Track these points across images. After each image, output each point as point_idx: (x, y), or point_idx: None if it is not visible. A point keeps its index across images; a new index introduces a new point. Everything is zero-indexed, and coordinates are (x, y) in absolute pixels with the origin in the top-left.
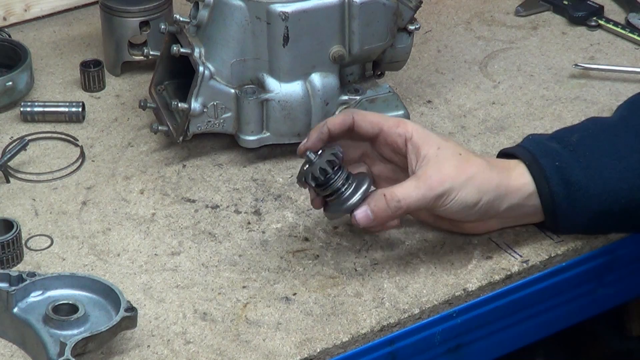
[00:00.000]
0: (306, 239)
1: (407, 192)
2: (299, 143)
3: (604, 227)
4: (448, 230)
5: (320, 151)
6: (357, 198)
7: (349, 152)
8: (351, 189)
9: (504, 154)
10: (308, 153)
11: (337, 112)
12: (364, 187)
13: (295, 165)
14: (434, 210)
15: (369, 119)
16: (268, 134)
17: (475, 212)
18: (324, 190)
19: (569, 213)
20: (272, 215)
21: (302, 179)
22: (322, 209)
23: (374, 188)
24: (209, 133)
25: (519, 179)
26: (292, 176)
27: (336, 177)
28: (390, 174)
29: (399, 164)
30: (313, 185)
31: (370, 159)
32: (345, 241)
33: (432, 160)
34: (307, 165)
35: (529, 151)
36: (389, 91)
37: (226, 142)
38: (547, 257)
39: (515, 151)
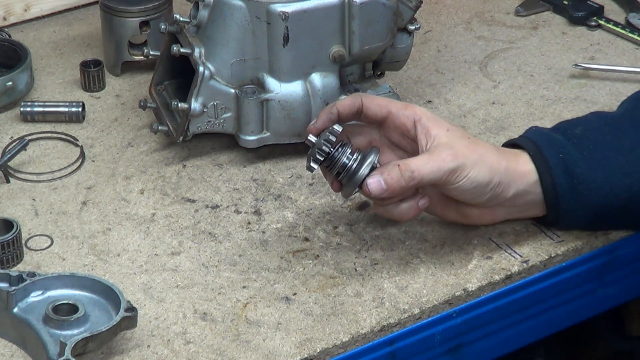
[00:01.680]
0: (306, 239)
1: (420, 163)
2: (299, 143)
3: (605, 223)
4: (454, 221)
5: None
6: (365, 168)
7: (357, 140)
8: (357, 161)
9: (509, 145)
10: (309, 136)
11: None
12: (370, 158)
13: (295, 165)
14: (446, 188)
15: (377, 102)
16: (268, 134)
17: (487, 193)
18: (332, 169)
19: (572, 205)
20: (272, 215)
21: (308, 164)
22: (340, 193)
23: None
24: (209, 133)
25: (525, 165)
26: (292, 176)
27: (339, 154)
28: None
29: (408, 149)
30: (316, 167)
31: (378, 146)
32: (345, 241)
33: (443, 139)
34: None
35: (533, 142)
36: (389, 91)
37: (226, 142)
38: (547, 257)
39: (519, 141)
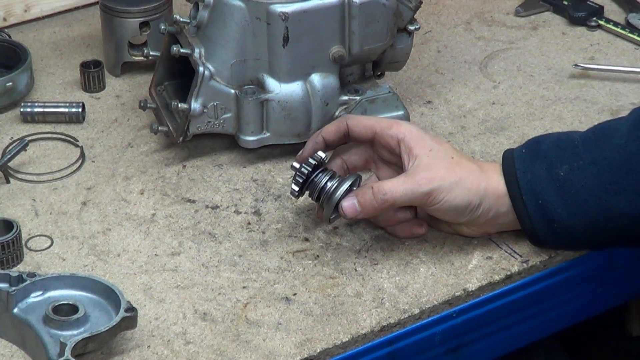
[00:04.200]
0: (306, 239)
1: (394, 185)
2: (299, 144)
3: (592, 247)
4: (447, 232)
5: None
6: (341, 191)
7: (353, 158)
8: (335, 185)
9: (506, 155)
10: (293, 163)
11: (337, 113)
12: (347, 182)
13: None
14: (425, 209)
15: (362, 124)
16: (268, 134)
17: (466, 215)
18: (312, 194)
19: (553, 243)
20: (272, 215)
21: (291, 187)
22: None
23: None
24: (209, 133)
25: (505, 189)
26: (291, 177)
27: (319, 179)
28: (393, 176)
29: (399, 165)
30: (296, 189)
31: (374, 163)
32: (345, 241)
33: (423, 160)
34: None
35: (514, 178)
36: (389, 91)
37: (226, 142)
38: (547, 257)
39: (504, 170)
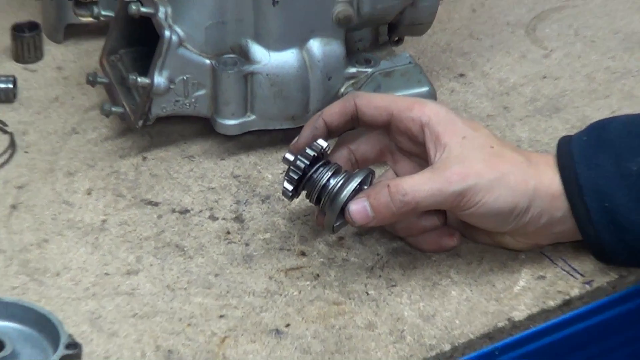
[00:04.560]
0: (303, 254)
1: (417, 184)
2: (294, 129)
3: None
4: (486, 244)
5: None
6: (348, 191)
7: (363, 148)
8: (340, 184)
9: (561, 144)
10: (286, 155)
11: (342, 90)
12: (356, 179)
13: None
14: (457, 214)
15: (375, 104)
16: (253, 117)
17: (510, 222)
18: (311, 195)
19: (622, 257)
20: (259, 222)
21: (283, 186)
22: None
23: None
24: (178, 116)
25: (561, 187)
26: (283, 172)
27: (319, 174)
28: (415, 171)
29: (423, 157)
30: (290, 188)
31: (391, 155)
32: (354, 256)
33: (455, 151)
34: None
35: (574, 179)
36: (410, 62)
37: (199, 127)
38: (616, 276)
39: (563, 166)
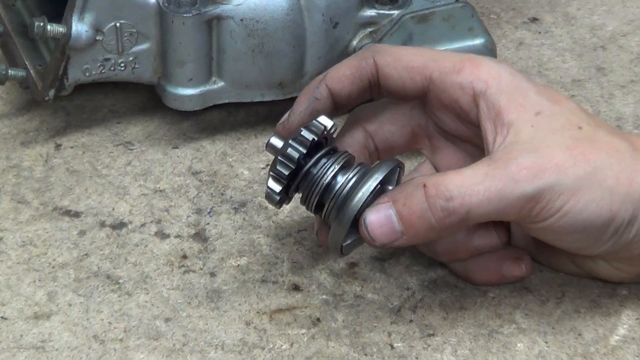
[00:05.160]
0: (296, 288)
1: (468, 183)
2: (283, 102)
3: None
4: (570, 272)
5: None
6: (364, 194)
7: (387, 130)
8: (351, 183)
9: None
10: (271, 139)
11: (355, 43)
12: (375, 176)
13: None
14: (527, 228)
15: (404, 63)
16: (221, 83)
17: (608, 240)
18: (309, 199)
19: None
20: (230, 241)
21: (266, 185)
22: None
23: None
24: (108, 83)
25: None
26: (266, 166)
27: (319, 169)
28: (465, 164)
29: (476, 142)
30: (278, 189)
31: (428, 140)
32: (372, 291)
33: (524, 134)
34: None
35: None
36: (456, 0)
37: (140, 101)
38: None
39: None
